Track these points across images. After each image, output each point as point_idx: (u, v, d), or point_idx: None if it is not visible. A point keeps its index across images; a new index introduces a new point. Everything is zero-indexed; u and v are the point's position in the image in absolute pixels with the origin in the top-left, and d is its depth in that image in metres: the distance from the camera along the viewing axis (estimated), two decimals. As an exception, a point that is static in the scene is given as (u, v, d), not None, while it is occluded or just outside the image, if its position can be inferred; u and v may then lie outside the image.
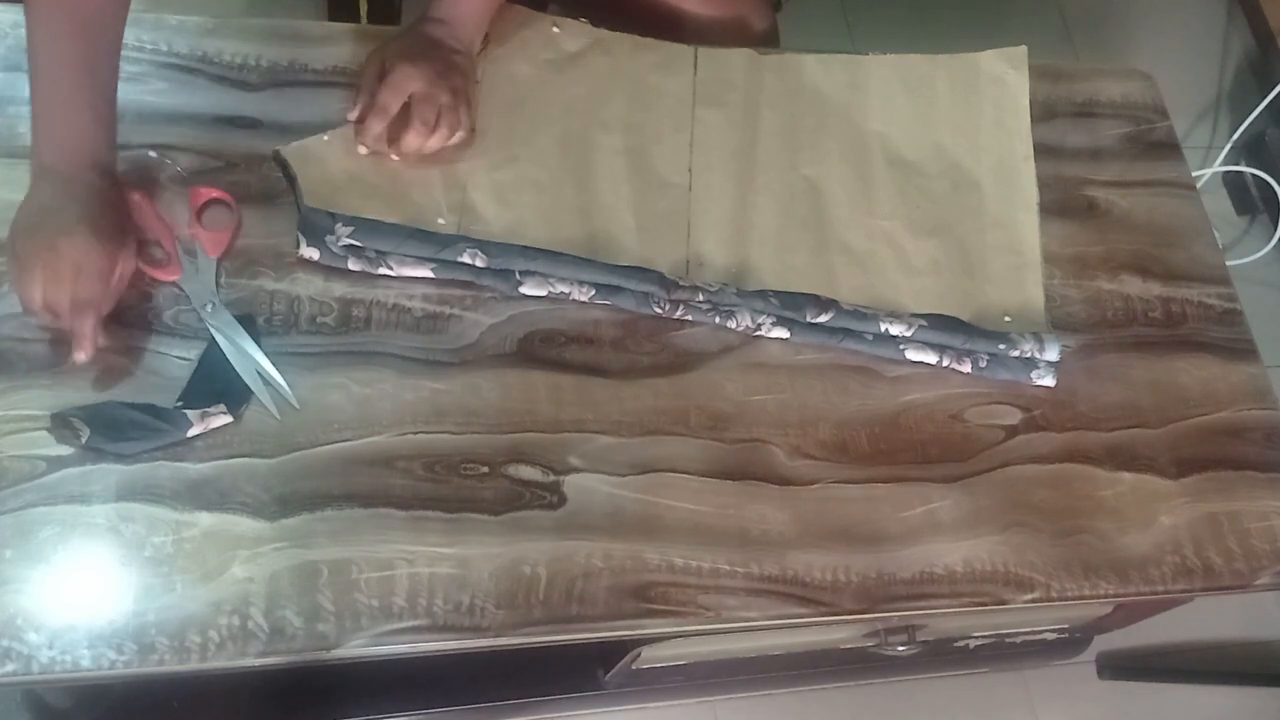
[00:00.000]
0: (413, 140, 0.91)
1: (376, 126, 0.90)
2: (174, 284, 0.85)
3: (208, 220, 0.88)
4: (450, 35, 0.95)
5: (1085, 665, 1.52)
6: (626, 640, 1.04)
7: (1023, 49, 1.14)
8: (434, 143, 0.92)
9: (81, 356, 0.77)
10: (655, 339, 0.93)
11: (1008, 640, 1.30)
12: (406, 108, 0.91)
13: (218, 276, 0.86)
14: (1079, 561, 0.92)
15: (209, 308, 0.84)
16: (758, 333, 0.95)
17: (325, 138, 0.92)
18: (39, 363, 0.81)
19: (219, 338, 0.83)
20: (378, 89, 0.91)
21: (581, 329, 0.92)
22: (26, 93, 0.89)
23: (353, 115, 0.91)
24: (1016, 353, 0.97)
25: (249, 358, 0.83)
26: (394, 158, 0.93)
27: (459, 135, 0.93)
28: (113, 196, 0.80)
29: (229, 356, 0.83)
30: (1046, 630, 1.29)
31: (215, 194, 0.88)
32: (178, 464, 0.79)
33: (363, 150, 0.92)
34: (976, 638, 1.26)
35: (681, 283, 0.93)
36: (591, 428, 0.88)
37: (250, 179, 0.90)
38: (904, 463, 0.93)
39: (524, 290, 0.91)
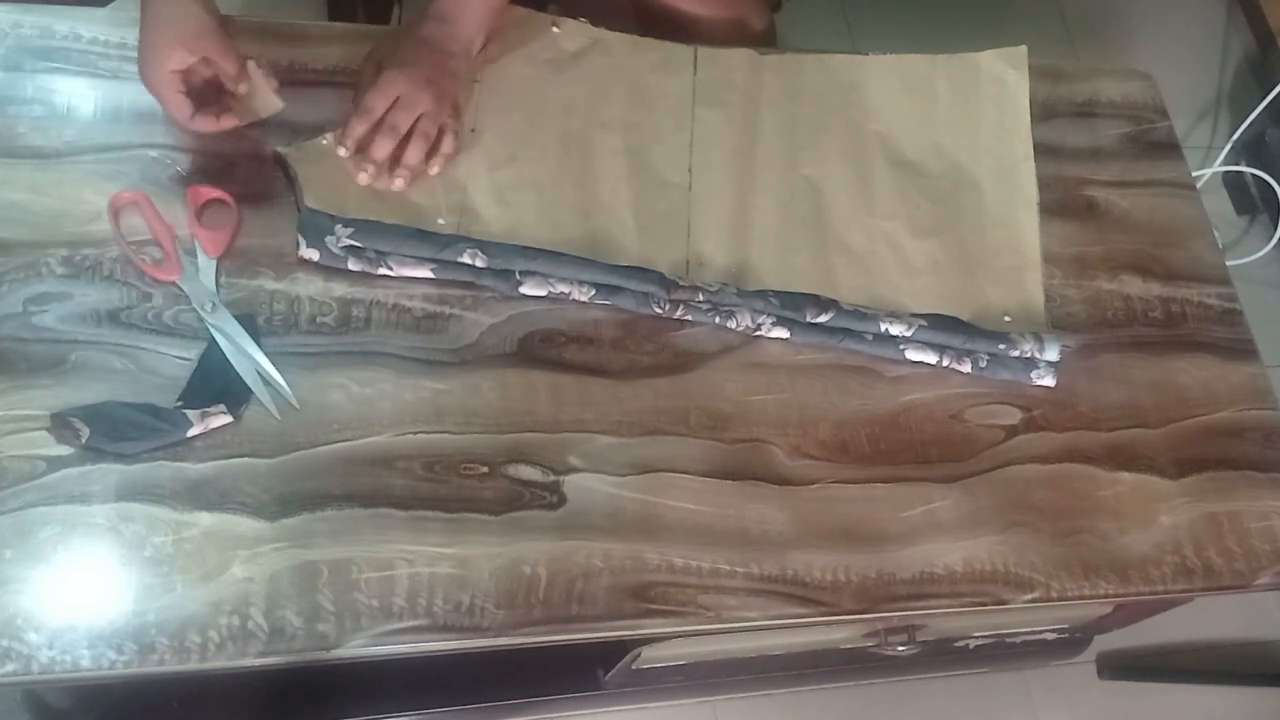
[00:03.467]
0: (380, 145, 0.90)
1: (358, 129, 0.90)
2: (174, 284, 0.85)
3: (207, 220, 0.88)
4: (449, 35, 0.94)
5: (1085, 665, 1.52)
6: (626, 640, 1.04)
7: (1023, 49, 1.14)
8: (411, 156, 0.90)
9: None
10: (655, 339, 0.93)
11: (1008, 640, 1.30)
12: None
13: (218, 276, 0.86)
14: (1079, 561, 0.92)
15: (209, 307, 0.84)
16: (758, 333, 0.95)
17: (325, 138, 0.92)
18: (39, 363, 0.81)
19: (219, 338, 0.83)
20: (365, 93, 0.90)
21: (581, 329, 0.92)
22: (27, 92, 0.89)
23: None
24: (1016, 353, 0.97)
25: (249, 358, 0.83)
26: (370, 165, 0.90)
27: (449, 143, 0.92)
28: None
29: (229, 356, 0.83)
30: (1046, 630, 1.29)
31: (215, 194, 0.88)
32: (178, 464, 0.79)
33: (342, 152, 0.90)
34: (976, 638, 1.26)
35: (681, 283, 0.93)
36: (591, 428, 0.88)
37: (250, 179, 0.90)
38: (904, 463, 0.93)
39: (524, 290, 0.91)
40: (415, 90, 0.90)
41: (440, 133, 0.92)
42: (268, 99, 0.91)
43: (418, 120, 0.90)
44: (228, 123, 0.89)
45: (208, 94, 0.89)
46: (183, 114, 0.87)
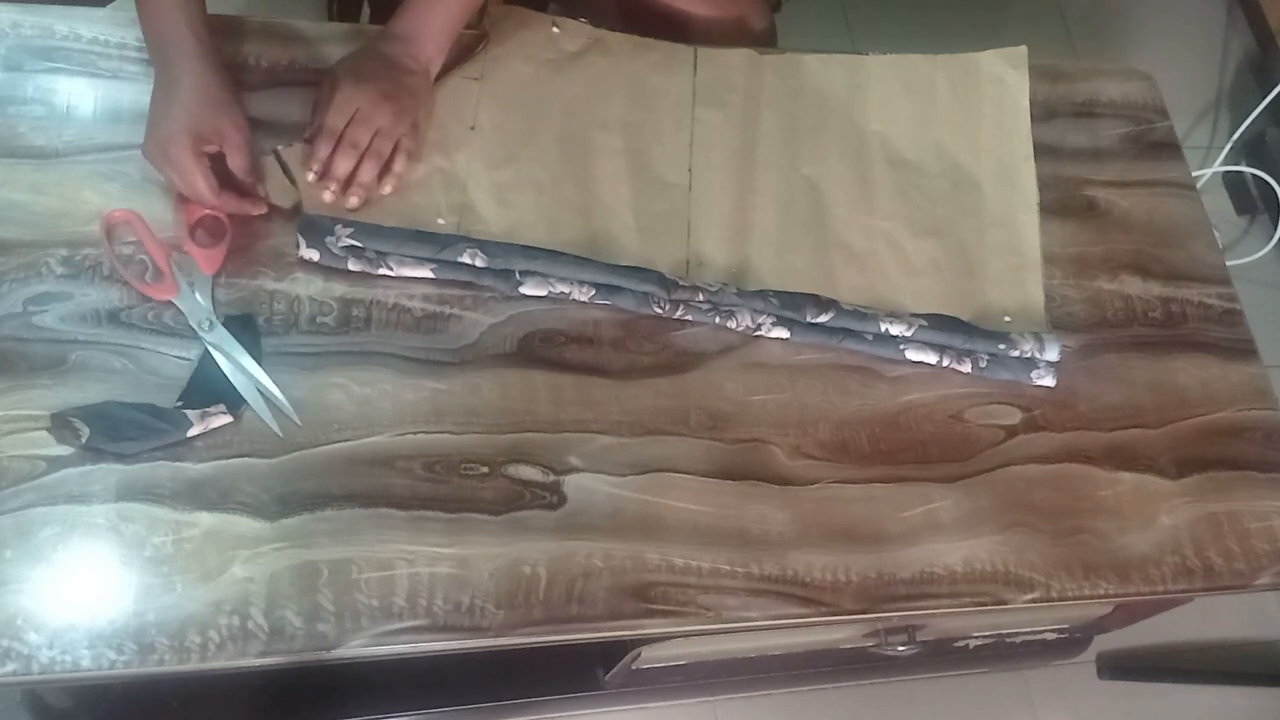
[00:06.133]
0: (340, 163, 0.88)
1: (324, 150, 0.89)
2: (170, 303, 0.85)
3: (201, 238, 0.87)
4: (408, 53, 0.92)
5: (1085, 665, 1.52)
6: (626, 640, 1.04)
7: (1023, 49, 1.14)
8: (364, 174, 0.89)
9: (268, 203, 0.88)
10: (655, 339, 0.93)
11: (1008, 640, 1.30)
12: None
13: (213, 294, 0.86)
14: (1079, 561, 0.92)
15: (206, 326, 0.84)
16: (758, 333, 0.95)
17: (279, 148, 0.91)
18: (39, 363, 0.81)
19: (217, 355, 0.83)
20: (324, 112, 0.89)
21: (581, 329, 0.92)
22: (27, 92, 0.90)
23: (308, 135, 0.91)
24: (1016, 353, 0.97)
25: (248, 375, 0.83)
26: (333, 183, 0.89)
27: (401, 162, 0.91)
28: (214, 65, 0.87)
29: (227, 374, 0.82)
30: (1046, 630, 1.29)
31: (208, 211, 0.87)
32: (178, 464, 0.79)
33: (311, 177, 0.89)
34: (976, 638, 1.26)
35: (681, 282, 0.93)
36: (591, 428, 0.88)
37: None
38: (904, 463, 0.93)
39: (524, 290, 0.91)
40: (371, 106, 0.88)
41: (395, 150, 0.91)
42: (287, 189, 0.90)
43: (373, 138, 0.89)
44: (250, 207, 0.87)
45: (219, 168, 0.86)
46: (210, 190, 0.85)
